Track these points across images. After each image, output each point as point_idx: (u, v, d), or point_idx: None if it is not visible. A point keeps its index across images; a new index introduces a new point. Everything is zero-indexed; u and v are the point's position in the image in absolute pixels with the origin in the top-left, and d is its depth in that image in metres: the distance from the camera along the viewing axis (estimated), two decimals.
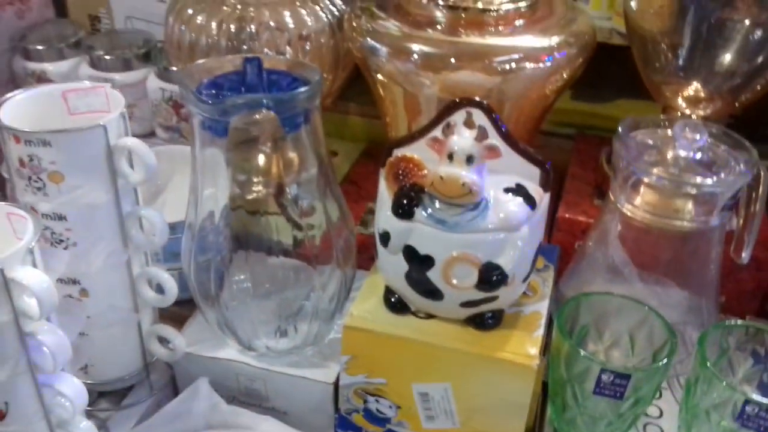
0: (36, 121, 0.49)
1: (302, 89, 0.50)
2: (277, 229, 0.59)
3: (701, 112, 0.65)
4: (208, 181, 0.55)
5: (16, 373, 0.43)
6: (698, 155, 0.53)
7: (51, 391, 0.45)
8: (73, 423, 0.46)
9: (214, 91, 0.52)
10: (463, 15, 0.60)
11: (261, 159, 0.65)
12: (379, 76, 0.65)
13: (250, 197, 0.61)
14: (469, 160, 0.47)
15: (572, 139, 0.83)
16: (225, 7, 0.67)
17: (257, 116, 0.51)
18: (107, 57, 0.80)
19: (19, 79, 0.84)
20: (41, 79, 0.82)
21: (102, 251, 0.50)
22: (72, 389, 0.45)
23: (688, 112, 0.65)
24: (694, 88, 0.64)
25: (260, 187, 0.64)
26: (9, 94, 0.50)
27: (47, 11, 0.89)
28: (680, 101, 0.65)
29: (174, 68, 0.76)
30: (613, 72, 0.80)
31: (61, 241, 0.49)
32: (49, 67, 0.82)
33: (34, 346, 0.43)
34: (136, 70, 0.80)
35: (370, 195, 0.77)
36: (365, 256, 0.62)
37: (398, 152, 0.51)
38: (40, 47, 0.82)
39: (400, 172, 0.50)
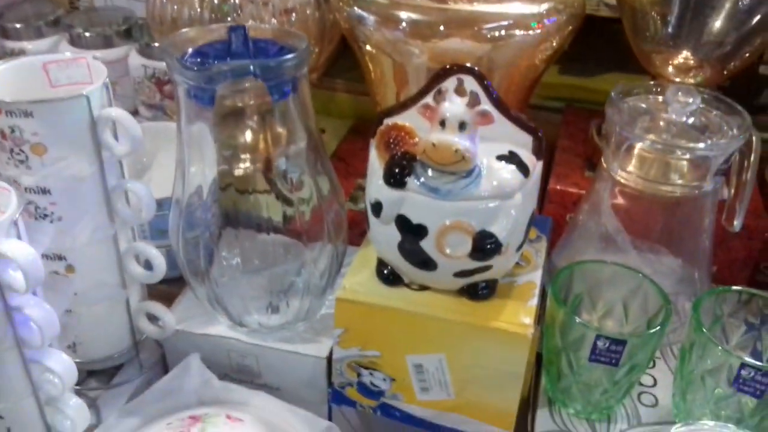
0: (17, 93, 0.47)
1: (290, 56, 0.49)
2: (267, 205, 0.58)
3: (691, 80, 0.64)
4: (195, 156, 0.54)
5: (3, 349, 0.42)
6: (691, 120, 0.53)
7: (39, 367, 0.44)
8: (63, 400, 0.45)
9: (199, 60, 0.51)
10: None
11: (248, 134, 0.64)
12: (367, 47, 0.64)
13: (238, 173, 0.60)
14: (462, 126, 0.46)
15: (560, 113, 0.83)
16: None
17: (245, 84, 0.51)
18: (87, 34, 0.79)
19: None
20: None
21: (87, 225, 0.49)
22: (61, 365, 0.44)
23: (678, 80, 0.65)
24: (683, 56, 0.63)
25: (248, 163, 0.63)
26: None
27: None
28: (670, 70, 0.65)
29: (156, 44, 0.75)
30: (600, 46, 0.80)
31: (46, 215, 0.48)
32: (28, 45, 0.80)
33: (20, 321, 0.42)
34: (117, 47, 0.79)
35: (359, 171, 0.76)
36: (356, 232, 0.62)
37: (389, 121, 0.51)
38: (18, 25, 0.81)
39: (391, 140, 0.49)
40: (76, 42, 0.79)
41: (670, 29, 0.62)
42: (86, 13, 0.84)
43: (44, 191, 0.47)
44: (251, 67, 0.48)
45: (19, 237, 0.42)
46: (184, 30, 0.54)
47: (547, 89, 0.81)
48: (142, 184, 0.51)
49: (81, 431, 0.46)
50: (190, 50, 0.52)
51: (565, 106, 0.84)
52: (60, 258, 0.50)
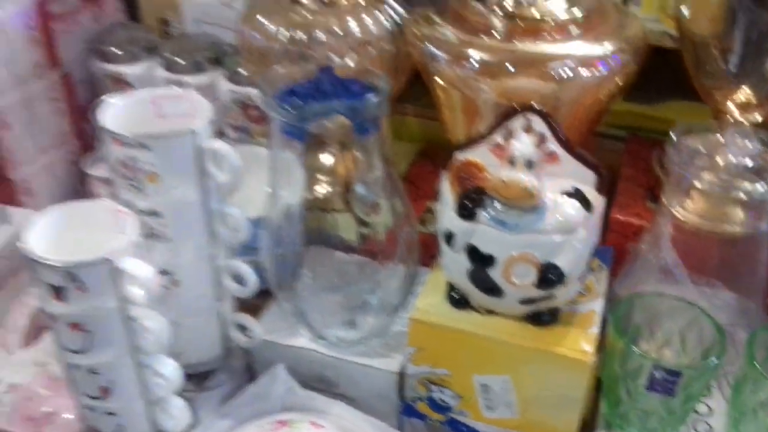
0: (130, 124, 0.54)
1: (375, 98, 0.54)
2: (346, 226, 0.64)
3: (752, 118, 0.66)
4: (284, 181, 0.59)
5: (121, 355, 0.48)
6: (749, 162, 0.56)
7: (150, 372, 0.50)
8: (168, 401, 0.51)
9: (291, 98, 0.56)
10: (519, 23, 0.62)
11: (331, 161, 0.69)
12: (439, 81, 0.68)
13: (321, 196, 0.66)
14: (529, 164, 0.51)
15: (623, 141, 0.85)
16: (294, 15, 0.71)
17: (332, 123, 0.56)
18: (180, 60, 0.85)
19: (95, 79, 0.90)
20: (118, 80, 0.87)
21: (192, 245, 0.55)
22: (169, 370, 0.50)
23: (739, 117, 0.66)
24: (744, 93, 0.65)
25: (330, 187, 0.68)
26: (108, 100, 0.55)
27: (119, 15, 0.94)
28: (731, 106, 0.67)
29: (244, 71, 0.81)
30: (664, 73, 0.82)
31: (156, 235, 0.54)
32: (126, 69, 0.87)
33: (137, 330, 0.48)
34: (207, 72, 0.85)
35: (428, 194, 0.80)
36: (425, 254, 0.66)
37: (461, 156, 0.55)
38: (115, 50, 0.87)
39: (464, 175, 0.54)
40: (169, 67, 0.85)
41: (731, 66, 0.64)
42: (178, 39, 0.90)
43: (156, 214, 0.54)
44: (339, 109, 0.53)
45: (138, 256, 0.48)
46: (277, 68, 0.60)
47: (610, 116, 0.83)
48: (238, 209, 0.57)
49: (182, 429, 0.52)
50: (282, 88, 0.58)
51: (628, 134, 0.86)
52: (167, 273, 0.56)
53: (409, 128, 0.93)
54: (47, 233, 0.48)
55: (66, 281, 0.45)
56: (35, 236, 0.47)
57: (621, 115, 0.87)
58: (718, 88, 0.67)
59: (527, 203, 0.51)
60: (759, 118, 0.66)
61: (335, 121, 0.56)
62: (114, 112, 0.54)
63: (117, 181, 0.53)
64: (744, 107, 0.66)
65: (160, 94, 0.57)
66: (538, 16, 0.62)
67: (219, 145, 0.53)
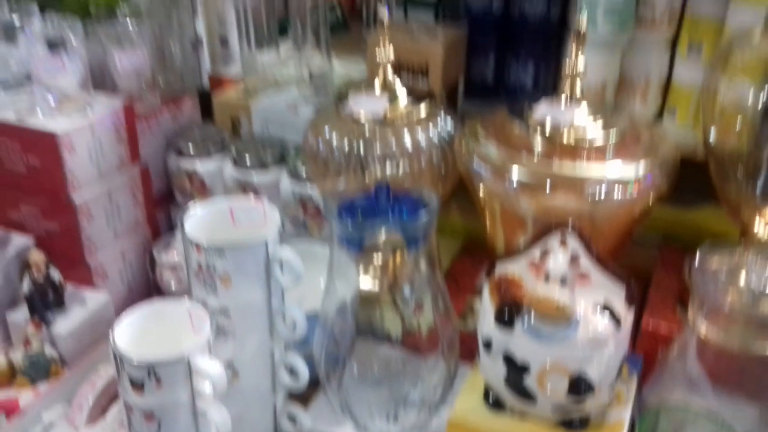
0: (208, 229, 0.61)
1: (425, 216, 0.61)
2: (391, 321, 0.69)
3: None
4: (340, 278, 0.66)
5: None
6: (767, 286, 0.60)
7: None
8: None
9: (350, 213, 0.63)
10: (557, 144, 0.68)
11: (382, 261, 0.75)
12: (481, 193, 0.74)
13: (371, 294, 0.72)
14: (563, 281, 0.56)
15: (657, 248, 0.89)
16: (355, 126, 0.78)
17: (386, 235, 0.62)
18: (248, 158, 0.93)
19: (170, 172, 0.99)
20: (191, 176, 0.96)
21: (254, 341, 0.62)
22: None
23: (764, 235, 0.71)
24: None
25: (380, 287, 0.74)
26: (191, 209, 0.63)
27: (195, 114, 1.05)
28: (757, 225, 0.71)
29: (305, 171, 0.89)
30: (699, 178, 0.86)
31: (223, 332, 0.61)
32: (198, 165, 0.96)
33: (203, 422, 0.54)
34: (272, 170, 0.93)
35: (469, 289, 0.85)
36: (464, 350, 0.71)
37: (500, 268, 0.61)
38: (191, 146, 0.97)
39: (503, 288, 0.60)
40: (238, 163, 0.94)
41: (757, 185, 0.69)
42: (248, 138, 0.99)
43: (225, 313, 0.60)
44: (393, 226, 0.59)
45: (210, 352, 0.54)
46: (339, 182, 0.67)
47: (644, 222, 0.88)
48: (298, 309, 0.63)
49: None
50: (342, 200, 0.65)
51: (661, 242, 0.90)
52: (229, 366, 0.62)
53: (452, 224, 0.99)
54: (132, 330, 0.55)
55: (146, 376, 0.52)
56: (121, 333, 0.54)
57: (655, 221, 0.91)
58: (744, 205, 0.71)
59: (560, 319, 0.56)
60: None
61: (391, 236, 0.62)
62: (196, 220, 0.62)
63: (194, 282, 0.61)
64: None
65: (236, 203, 0.65)
66: (575, 138, 0.68)
67: (286, 253, 0.60)
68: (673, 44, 0.89)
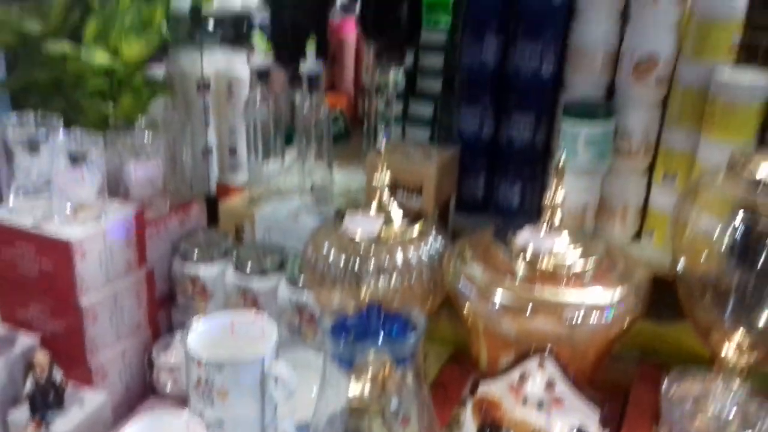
0: (208, 341, 0.65)
1: (413, 337, 0.65)
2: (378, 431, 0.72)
3: (745, 360, 0.74)
4: (332, 389, 0.69)
5: None
6: (732, 413, 0.64)
7: None
8: None
9: (343, 332, 0.68)
10: (538, 269, 0.73)
11: (371, 375, 0.79)
12: (465, 311, 0.79)
13: (361, 405, 0.75)
14: (540, 405, 0.60)
15: (636, 363, 0.92)
16: (351, 244, 0.84)
17: (376, 353, 0.67)
18: (249, 264, 0.98)
19: (174, 277, 1.04)
20: (194, 280, 1.00)
21: None
22: None
23: (732, 358, 0.74)
24: (739, 335, 0.73)
25: (369, 399, 0.78)
26: (193, 325, 0.67)
27: (202, 219, 1.10)
28: (725, 349, 0.74)
29: (302, 280, 0.94)
30: (676, 295, 0.90)
31: None
32: (202, 270, 1.01)
33: None
34: (271, 277, 0.98)
35: (457, 399, 0.88)
36: None
37: (483, 387, 0.65)
38: (195, 252, 1.02)
39: (483, 408, 0.64)
40: (239, 269, 0.99)
41: (725, 310, 0.73)
42: (250, 245, 1.05)
43: (220, 424, 0.64)
44: (383, 346, 0.64)
45: None
46: (334, 301, 0.72)
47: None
48: (290, 422, 0.67)
49: None
50: (336, 318, 0.69)
51: (640, 354, 0.93)
52: None
53: (442, 332, 1.02)
54: None
55: None
56: None
57: (634, 336, 0.94)
58: (713, 330, 0.75)
59: None
60: (752, 359, 0.74)
61: (378, 353, 0.67)
62: (198, 334, 0.66)
63: (193, 394, 0.64)
64: (738, 349, 0.74)
65: (237, 317, 0.69)
66: (554, 264, 0.74)
67: (281, 369, 0.64)
68: (651, 170, 0.96)
